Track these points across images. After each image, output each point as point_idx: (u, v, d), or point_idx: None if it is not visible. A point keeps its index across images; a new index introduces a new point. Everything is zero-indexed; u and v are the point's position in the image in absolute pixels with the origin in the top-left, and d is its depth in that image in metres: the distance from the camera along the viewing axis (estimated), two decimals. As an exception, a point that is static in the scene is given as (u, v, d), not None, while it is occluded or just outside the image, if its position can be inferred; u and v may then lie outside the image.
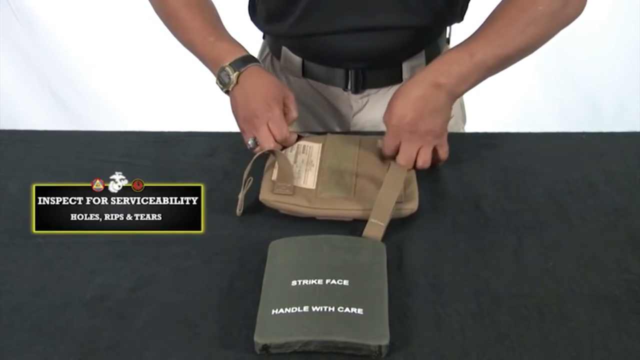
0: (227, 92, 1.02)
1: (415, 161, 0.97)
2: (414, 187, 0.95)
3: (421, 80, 0.95)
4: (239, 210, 0.94)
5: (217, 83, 1.02)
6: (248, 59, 1.01)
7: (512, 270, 0.85)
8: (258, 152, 0.97)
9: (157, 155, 1.08)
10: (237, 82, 1.00)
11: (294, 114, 1.01)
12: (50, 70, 2.41)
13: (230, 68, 1.00)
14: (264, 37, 1.25)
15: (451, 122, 1.23)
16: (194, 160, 1.07)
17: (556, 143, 1.11)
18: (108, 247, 0.89)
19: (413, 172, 0.97)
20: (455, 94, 0.96)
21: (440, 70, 0.94)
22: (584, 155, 1.06)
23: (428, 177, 1.00)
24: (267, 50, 1.22)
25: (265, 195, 0.94)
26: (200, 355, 0.74)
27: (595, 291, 0.81)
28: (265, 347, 0.73)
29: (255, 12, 1.17)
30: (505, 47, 0.95)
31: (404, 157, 0.96)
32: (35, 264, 0.87)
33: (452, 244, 0.89)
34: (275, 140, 0.98)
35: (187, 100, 2.31)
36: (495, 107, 2.28)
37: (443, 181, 1.00)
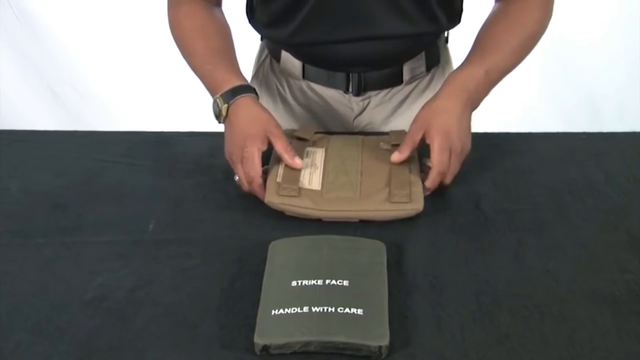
0: (220, 123, 1.00)
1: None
2: (419, 188, 0.94)
3: (450, 97, 0.97)
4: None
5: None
6: (239, 90, 0.99)
7: (512, 270, 0.85)
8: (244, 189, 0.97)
9: (157, 155, 1.09)
10: (226, 115, 0.98)
11: (281, 151, 0.96)
12: (50, 70, 2.40)
13: (220, 100, 0.98)
14: (262, 39, 1.25)
15: None
16: (194, 160, 1.07)
17: (556, 143, 1.11)
18: (108, 247, 0.89)
19: (418, 173, 0.97)
20: (475, 107, 1.00)
21: (463, 87, 0.98)
22: (584, 155, 1.06)
23: (428, 177, 1.00)
24: (266, 52, 1.22)
25: (271, 198, 0.93)
26: (200, 355, 0.74)
27: (595, 291, 0.81)
28: (265, 348, 0.73)
29: (253, 16, 1.17)
30: (511, 62, 1.03)
31: (452, 174, 0.96)
32: (36, 264, 0.87)
33: (452, 244, 0.89)
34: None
35: (187, 100, 2.30)
36: (495, 107, 2.27)
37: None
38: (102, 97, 2.44)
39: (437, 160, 0.93)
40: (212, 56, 1.04)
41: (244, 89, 1.00)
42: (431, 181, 0.94)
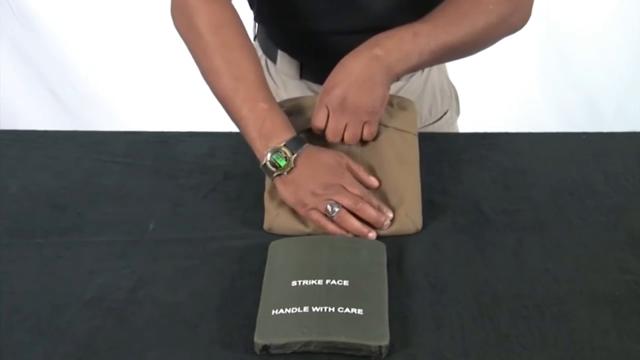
0: (277, 175, 0.90)
1: (344, 136, 0.93)
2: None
3: (359, 53, 0.92)
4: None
5: (265, 165, 0.89)
6: (301, 140, 0.91)
7: (512, 270, 0.85)
8: (339, 217, 0.88)
9: (157, 155, 1.08)
10: (295, 166, 0.89)
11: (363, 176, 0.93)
12: (50, 70, 2.40)
13: (288, 150, 0.88)
14: (254, 39, 1.24)
15: (446, 115, 1.24)
16: (194, 160, 1.07)
17: (556, 143, 1.11)
18: (108, 247, 0.89)
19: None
20: (393, 71, 0.92)
21: (379, 44, 0.92)
22: (584, 155, 1.06)
23: (428, 177, 0.99)
24: (261, 52, 1.21)
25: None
26: (200, 355, 0.74)
27: (595, 291, 0.81)
28: (265, 348, 0.73)
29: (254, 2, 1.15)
30: (451, 36, 0.93)
31: (330, 131, 0.93)
32: (36, 264, 0.87)
33: (452, 244, 0.89)
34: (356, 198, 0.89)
35: (187, 100, 2.31)
36: (495, 107, 2.28)
37: (443, 181, 1.00)
38: (102, 97, 2.44)
39: (314, 118, 0.93)
40: (262, 90, 0.93)
41: (303, 138, 0.92)
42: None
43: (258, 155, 0.91)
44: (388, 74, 0.92)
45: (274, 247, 0.86)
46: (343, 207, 0.88)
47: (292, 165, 0.89)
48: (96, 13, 2.31)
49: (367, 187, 0.92)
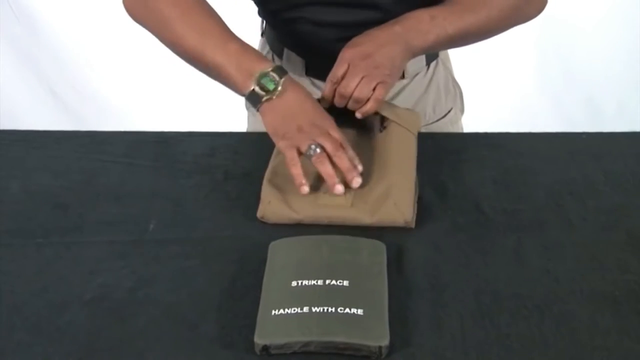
0: (266, 100, 0.91)
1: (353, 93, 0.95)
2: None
3: (380, 27, 0.98)
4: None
5: (254, 92, 0.91)
6: (284, 70, 0.93)
7: (512, 270, 0.85)
8: (318, 157, 0.89)
9: (157, 155, 1.09)
10: (285, 90, 0.91)
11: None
12: (50, 70, 2.41)
13: (276, 73, 0.91)
14: (262, 35, 1.25)
15: (450, 113, 1.24)
16: (194, 160, 1.07)
17: (556, 143, 1.11)
18: (108, 247, 0.89)
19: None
20: (411, 47, 0.97)
21: (397, 22, 0.97)
22: (584, 155, 1.06)
23: (428, 177, 1.00)
24: (267, 48, 1.21)
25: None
26: (200, 355, 0.74)
27: (595, 291, 0.81)
28: (265, 348, 0.73)
29: None
30: (468, 23, 0.99)
31: (345, 82, 0.94)
32: (36, 264, 0.87)
33: (453, 244, 0.89)
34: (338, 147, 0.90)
35: (187, 100, 2.32)
36: (495, 106, 2.28)
37: (443, 181, 1.00)
38: (102, 97, 2.44)
39: (332, 70, 0.95)
40: (232, 34, 0.95)
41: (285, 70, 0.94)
42: (325, 91, 0.96)
43: (240, 88, 0.92)
44: (406, 48, 0.97)
45: (274, 247, 0.86)
46: (324, 150, 0.89)
47: (281, 89, 0.90)
48: (96, 13, 2.31)
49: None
